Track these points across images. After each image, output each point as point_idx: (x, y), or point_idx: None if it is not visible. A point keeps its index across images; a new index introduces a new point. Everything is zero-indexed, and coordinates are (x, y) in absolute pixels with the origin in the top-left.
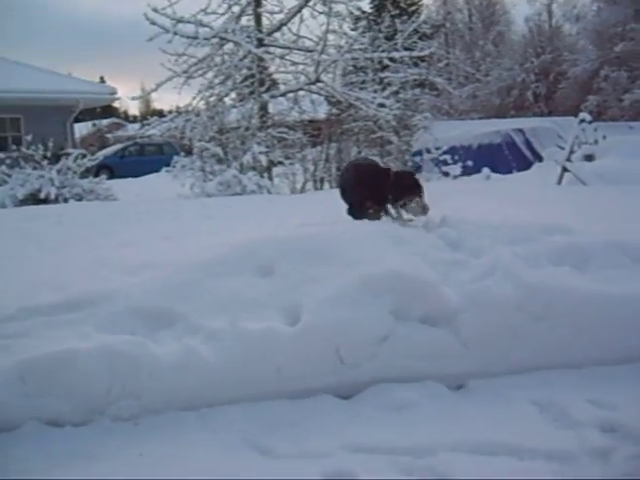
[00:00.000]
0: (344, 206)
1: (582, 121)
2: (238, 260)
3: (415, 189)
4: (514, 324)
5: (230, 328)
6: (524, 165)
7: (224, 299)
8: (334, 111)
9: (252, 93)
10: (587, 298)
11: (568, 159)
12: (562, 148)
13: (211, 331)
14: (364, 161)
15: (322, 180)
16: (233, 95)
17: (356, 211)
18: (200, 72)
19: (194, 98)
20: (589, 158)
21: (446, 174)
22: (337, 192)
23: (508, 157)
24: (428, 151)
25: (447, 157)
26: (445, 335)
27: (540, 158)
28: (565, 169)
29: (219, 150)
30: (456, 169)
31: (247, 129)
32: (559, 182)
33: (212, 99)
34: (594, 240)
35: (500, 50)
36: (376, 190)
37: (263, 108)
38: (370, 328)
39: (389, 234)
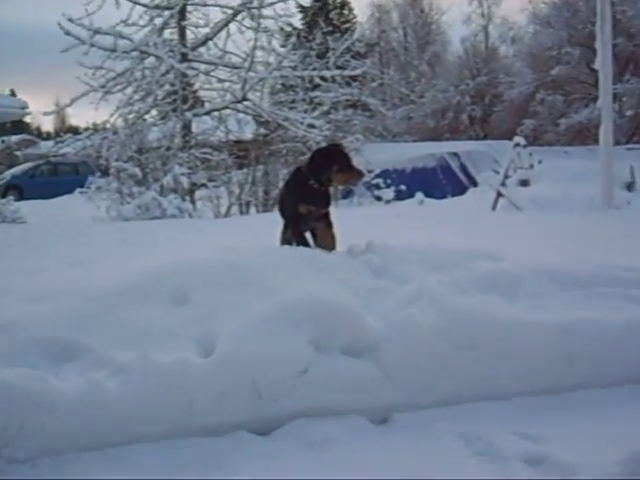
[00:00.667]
0: (271, 231)
1: (517, 145)
2: (150, 287)
3: (333, 159)
4: (440, 354)
5: (139, 360)
6: (459, 190)
7: (134, 330)
8: (262, 131)
9: (174, 111)
10: (513, 327)
11: (503, 184)
12: (497, 172)
13: (119, 364)
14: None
15: (248, 204)
16: (154, 112)
17: (292, 226)
18: (119, 87)
19: (112, 115)
20: (524, 183)
21: (378, 198)
22: (264, 217)
23: (443, 181)
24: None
25: (379, 181)
26: (368, 366)
27: (475, 183)
28: (500, 194)
29: (138, 171)
30: (389, 193)
31: (168, 149)
32: (494, 207)
33: (131, 116)
34: (522, 267)
35: (436, 71)
36: (305, 190)
37: (186, 127)
38: (289, 359)
39: (311, 260)
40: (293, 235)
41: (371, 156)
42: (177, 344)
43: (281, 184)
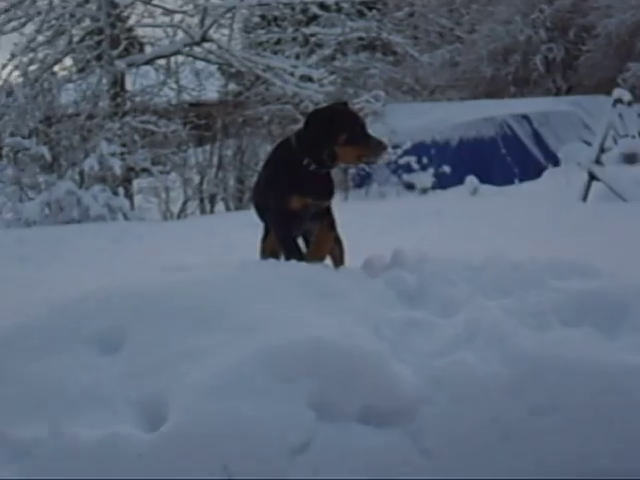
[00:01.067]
0: (247, 239)
1: (618, 102)
2: (66, 327)
3: (338, 125)
4: (505, 420)
5: (50, 437)
6: (531, 170)
7: (41, 391)
8: (232, 88)
9: (99, 59)
10: (618, 377)
11: (598, 161)
12: (590, 144)
13: (20, 443)
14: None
15: (213, 198)
16: (68, 62)
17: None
18: (13, 24)
19: (4, 67)
20: (630, 159)
21: (410, 186)
22: (237, 217)
23: (506, 159)
24: None
25: (411, 160)
26: (398, 440)
27: (555, 159)
28: (593, 176)
29: (45, 151)
30: (425, 178)
31: (91, 117)
32: (584, 197)
33: (33, 68)
34: (628, 288)
35: None
36: (297, 173)
37: (117, 83)
38: (278, 431)
39: (309, 282)
40: (280, 243)
41: (398, 123)
42: (108, 411)
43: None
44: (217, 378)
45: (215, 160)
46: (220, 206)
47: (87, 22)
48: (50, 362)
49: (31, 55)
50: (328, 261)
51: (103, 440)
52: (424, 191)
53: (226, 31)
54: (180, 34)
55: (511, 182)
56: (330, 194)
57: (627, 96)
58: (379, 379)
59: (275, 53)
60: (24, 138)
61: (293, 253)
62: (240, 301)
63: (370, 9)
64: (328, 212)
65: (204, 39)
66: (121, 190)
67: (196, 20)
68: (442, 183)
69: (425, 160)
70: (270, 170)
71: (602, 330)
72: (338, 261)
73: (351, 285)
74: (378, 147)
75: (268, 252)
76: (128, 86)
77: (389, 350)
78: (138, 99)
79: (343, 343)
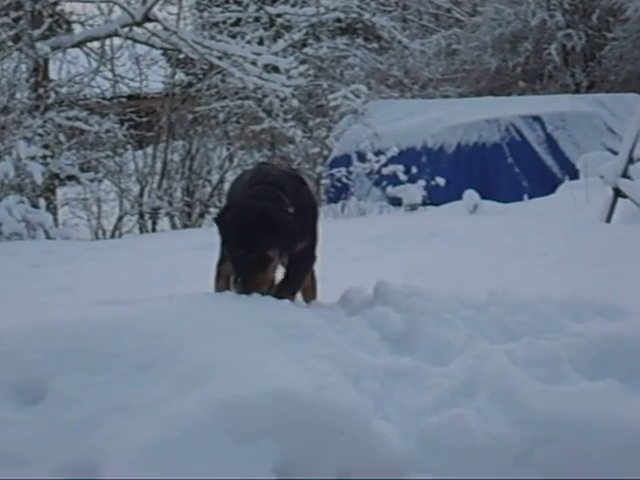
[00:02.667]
0: (199, 265)
1: None
2: None
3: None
4: None
5: None
6: (543, 184)
7: None
8: (180, 79)
9: (17, 40)
10: None
11: (625, 174)
12: (614, 153)
13: None
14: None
15: (156, 213)
16: None
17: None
18: None
19: None
20: None
21: (396, 202)
22: (186, 237)
23: (513, 169)
24: (361, 157)
25: (398, 169)
26: None
27: (573, 171)
28: (619, 193)
29: None
30: (415, 192)
31: (6, 111)
32: (608, 218)
33: None
34: None
35: None
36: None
37: (39, 70)
38: None
39: (275, 319)
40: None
41: (382, 124)
42: (25, 476)
43: (216, 176)
44: (160, 437)
45: (158, 166)
46: (164, 223)
47: None
48: None
49: None
50: (298, 295)
51: None
52: (413, 208)
53: (174, 9)
54: (117, 11)
55: (519, 198)
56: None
57: None
58: (358, 441)
59: (234, 37)
60: None
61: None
62: (190, 342)
63: None
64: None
65: (146, 18)
66: (42, 202)
67: None
68: (435, 198)
69: (414, 170)
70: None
71: (628, 383)
72: (309, 294)
73: (325, 324)
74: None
75: (225, 277)
76: (52, 74)
77: (371, 405)
78: (64, 90)
79: (315, 396)
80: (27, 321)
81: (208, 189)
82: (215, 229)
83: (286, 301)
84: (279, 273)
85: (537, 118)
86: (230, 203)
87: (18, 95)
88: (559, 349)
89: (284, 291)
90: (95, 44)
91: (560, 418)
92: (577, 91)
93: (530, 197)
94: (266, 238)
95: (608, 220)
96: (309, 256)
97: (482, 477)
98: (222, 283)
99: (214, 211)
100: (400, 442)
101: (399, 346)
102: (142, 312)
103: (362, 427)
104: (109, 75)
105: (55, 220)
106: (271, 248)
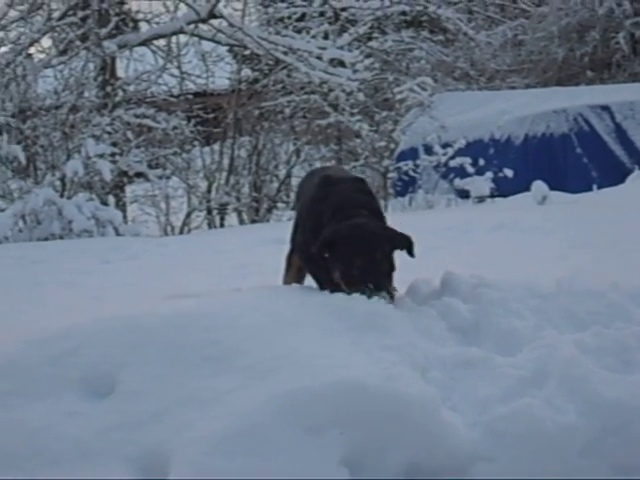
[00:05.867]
0: (268, 260)
1: None
2: (45, 367)
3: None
4: None
5: None
6: (613, 174)
7: (15, 444)
8: (246, 75)
9: (84, 39)
10: None
11: None
12: None
13: None
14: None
15: (224, 209)
16: (47, 43)
17: (295, 260)
18: None
19: None
20: None
21: (463, 194)
22: (254, 232)
23: (582, 159)
24: (428, 150)
25: (465, 161)
26: None
27: None
28: None
29: (19, 151)
30: (482, 184)
31: (74, 110)
32: None
33: (4, 50)
34: None
35: None
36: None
37: (106, 69)
38: None
39: (342, 311)
40: (309, 267)
41: (449, 116)
42: (96, 469)
43: (283, 171)
44: (228, 429)
45: (226, 162)
46: (232, 218)
47: None
48: (27, 409)
49: (1, 34)
50: None
51: None
52: (481, 200)
53: (239, 5)
54: (183, 9)
55: (588, 188)
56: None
57: None
58: (427, 431)
59: (299, 32)
60: None
61: (327, 284)
62: (258, 335)
63: None
64: None
65: (212, 15)
66: (111, 199)
67: None
68: (503, 190)
69: (482, 162)
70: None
71: None
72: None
73: (393, 316)
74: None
75: (295, 269)
76: (120, 72)
77: (439, 396)
78: (132, 88)
79: (383, 386)
80: (97, 316)
81: (275, 184)
82: (284, 225)
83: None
84: None
85: (606, 108)
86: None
87: (86, 94)
88: (629, 338)
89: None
90: (161, 42)
91: (630, 407)
92: None
93: (599, 187)
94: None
95: None
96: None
97: (551, 466)
98: (291, 275)
99: (281, 206)
100: (468, 432)
101: (467, 336)
102: (210, 305)
103: (430, 417)
104: (176, 72)
105: (124, 217)
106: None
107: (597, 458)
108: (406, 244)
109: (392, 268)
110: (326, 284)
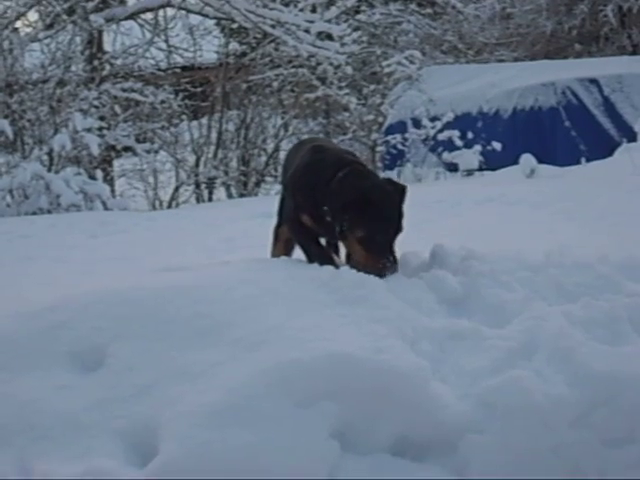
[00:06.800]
0: (256, 234)
1: None
2: (34, 340)
3: (363, 213)
4: (571, 454)
5: (17, 474)
6: (601, 147)
7: (5, 418)
8: (234, 48)
9: (71, 13)
10: None
11: None
12: None
13: None
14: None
15: (212, 183)
16: (33, 17)
17: (283, 233)
18: None
19: None
20: None
21: (452, 167)
22: (241, 206)
23: (570, 133)
24: (416, 124)
25: (453, 135)
26: (438, 476)
27: (631, 134)
28: None
29: (5, 125)
30: (471, 157)
31: (61, 84)
32: None
33: None
34: None
35: None
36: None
37: (93, 43)
38: (294, 467)
39: (331, 284)
40: (299, 246)
41: (437, 90)
42: (86, 442)
43: (271, 145)
44: (218, 402)
45: (214, 136)
46: (220, 192)
47: None
48: (16, 383)
49: None
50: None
51: (82, 477)
52: (469, 173)
53: None
54: None
55: (576, 162)
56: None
57: None
58: (416, 403)
59: (287, 5)
60: None
61: (316, 256)
62: (247, 307)
63: None
64: None
65: None
66: (99, 173)
67: None
68: (491, 163)
69: (470, 135)
70: (298, 168)
71: None
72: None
73: (382, 288)
74: (377, 266)
75: (282, 242)
76: (107, 46)
77: (429, 368)
78: (119, 62)
79: (372, 359)
80: (86, 289)
81: (264, 158)
82: (272, 198)
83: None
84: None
85: (594, 81)
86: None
87: (73, 68)
88: (618, 309)
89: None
90: (149, 15)
91: (620, 378)
92: (634, 53)
93: (587, 161)
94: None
95: None
96: None
97: (541, 438)
98: (279, 248)
99: (270, 180)
100: (458, 404)
101: (456, 308)
102: (199, 278)
103: (420, 390)
104: (163, 46)
105: (112, 191)
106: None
107: (586, 430)
108: (404, 196)
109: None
110: (315, 256)
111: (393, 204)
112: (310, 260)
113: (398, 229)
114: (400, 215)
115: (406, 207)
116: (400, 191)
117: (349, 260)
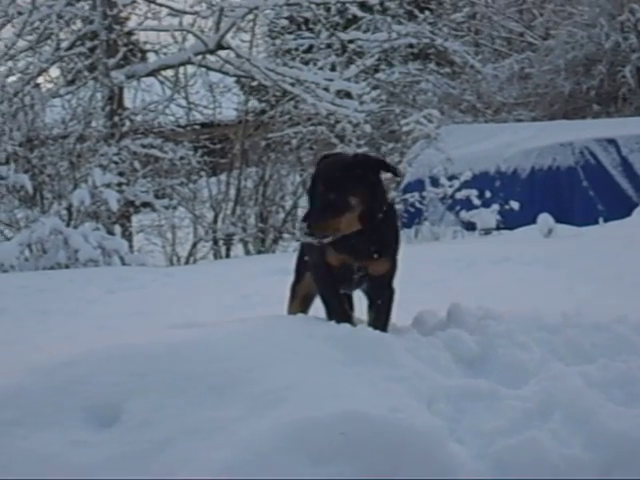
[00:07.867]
0: (273, 291)
1: None
2: (50, 396)
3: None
4: None
5: None
6: (619, 207)
7: (20, 474)
8: (253, 106)
9: (92, 69)
10: None
11: None
12: None
13: None
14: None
15: (230, 239)
16: (55, 73)
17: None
18: None
19: None
20: None
21: (470, 226)
22: (259, 262)
23: (588, 192)
24: (434, 182)
25: (471, 194)
26: None
27: None
28: None
29: (25, 179)
30: (488, 216)
31: (82, 139)
32: None
33: (12, 80)
34: None
35: None
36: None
37: (114, 99)
38: None
39: (348, 342)
40: (322, 299)
41: (455, 149)
42: None
43: (289, 202)
44: (233, 459)
45: (232, 193)
46: (238, 249)
47: (78, 24)
48: (33, 438)
49: (10, 64)
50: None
51: None
52: (487, 232)
53: (247, 36)
54: (191, 40)
55: (594, 221)
56: (373, 253)
57: None
58: (432, 463)
59: (306, 64)
60: (0, 165)
61: (336, 312)
62: (263, 365)
63: (422, 10)
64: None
65: (220, 46)
66: (118, 229)
67: (210, 23)
68: (509, 222)
69: (488, 194)
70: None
71: None
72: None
73: (398, 347)
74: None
75: (300, 299)
76: (127, 103)
77: (445, 427)
78: (139, 118)
79: (388, 418)
80: (102, 344)
81: (282, 215)
82: (289, 255)
83: (361, 326)
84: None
85: (612, 141)
86: None
87: (94, 123)
88: (634, 370)
89: (380, 328)
90: (169, 72)
91: (636, 440)
92: None
93: (605, 221)
94: (351, 183)
95: None
96: (389, 287)
97: None
98: (296, 305)
99: (287, 237)
100: (474, 464)
101: (473, 368)
102: (215, 335)
103: (436, 449)
104: (183, 103)
105: (130, 247)
106: (353, 195)
107: None
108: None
109: (347, 205)
110: (334, 312)
111: (330, 169)
112: (329, 312)
113: (330, 191)
114: (343, 180)
115: (424, 265)
116: (361, 162)
117: (369, 313)
